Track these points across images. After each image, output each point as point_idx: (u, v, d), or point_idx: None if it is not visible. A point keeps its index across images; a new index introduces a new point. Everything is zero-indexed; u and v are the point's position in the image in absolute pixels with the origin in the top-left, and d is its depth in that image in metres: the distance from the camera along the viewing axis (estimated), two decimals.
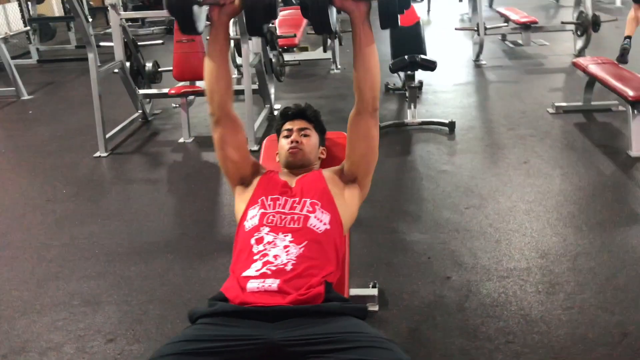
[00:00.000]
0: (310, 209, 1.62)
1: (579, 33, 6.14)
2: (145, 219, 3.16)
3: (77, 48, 8.78)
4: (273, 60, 4.77)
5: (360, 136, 1.71)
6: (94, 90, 4.13)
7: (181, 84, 4.60)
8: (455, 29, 7.26)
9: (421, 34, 4.74)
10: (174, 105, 4.60)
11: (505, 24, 6.95)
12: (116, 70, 4.45)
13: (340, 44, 6.24)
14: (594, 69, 4.08)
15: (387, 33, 4.80)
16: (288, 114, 1.94)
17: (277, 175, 1.79)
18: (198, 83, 4.43)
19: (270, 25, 4.53)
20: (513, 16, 6.70)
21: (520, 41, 6.65)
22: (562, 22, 6.38)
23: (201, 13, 1.62)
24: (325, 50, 6.22)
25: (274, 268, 1.47)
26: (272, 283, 1.43)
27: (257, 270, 1.48)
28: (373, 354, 1.22)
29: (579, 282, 2.37)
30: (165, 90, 4.49)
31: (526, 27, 6.40)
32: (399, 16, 1.53)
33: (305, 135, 1.88)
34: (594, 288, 2.32)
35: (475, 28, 6.17)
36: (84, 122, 4.86)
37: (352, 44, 1.61)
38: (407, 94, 4.50)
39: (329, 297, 1.43)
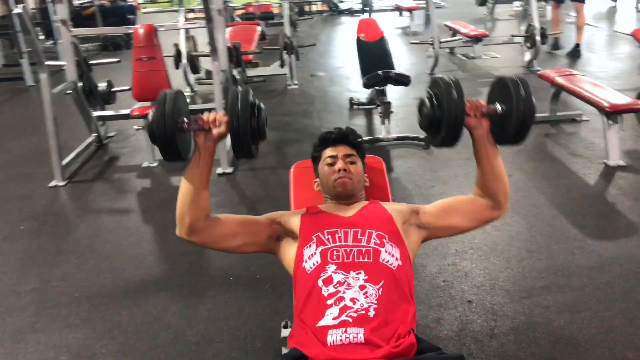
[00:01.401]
0: (378, 242, 1.47)
1: (528, 45, 6.33)
2: (124, 254, 2.87)
3: (6, 67, 8.19)
4: (237, 77, 4.57)
5: (479, 221, 1.67)
6: (48, 114, 3.77)
7: (140, 104, 4.30)
8: (411, 42, 7.31)
9: (387, 49, 4.70)
10: (137, 127, 4.30)
11: (454, 38, 7.09)
12: (69, 92, 4.10)
13: (297, 59, 6.12)
14: (562, 80, 4.16)
15: (353, 46, 4.73)
16: (329, 139, 1.77)
17: (321, 209, 1.62)
18: None
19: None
20: (463, 30, 6.84)
21: (472, 54, 6.78)
22: (512, 35, 6.57)
23: (186, 136, 1.52)
24: (282, 66, 6.06)
25: (354, 315, 1.30)
26: (357, 333, 1.27)
27: (334, 319, 1.30)
28: None
29: (601, 297, 2.34)
30: (125, 112, 4.18)
31: (477, 39, 6.55)
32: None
33: (352, 163, 1.73)
34: (618, 302, 2.30)
35: (430, 41, 6.23)
36: (30, 147, 4.47)
37: (475, 157, 1.61)
38: (379, 110, 4.42)
39: (421, 348, 1.28)
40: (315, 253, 1.46)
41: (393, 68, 4.49)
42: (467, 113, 1.50)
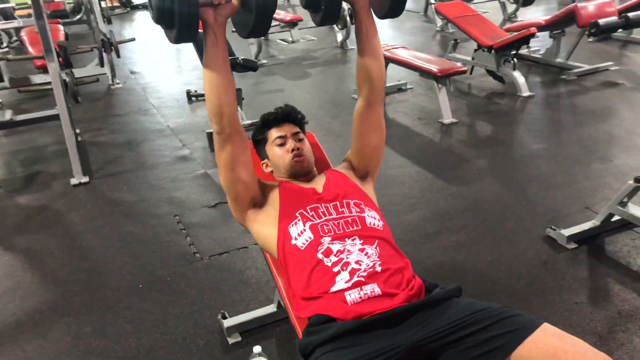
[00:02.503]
0: (358, 210, 1.54)
1: (339, 27, 6.79)
2: None
3: None
4: (67, 79, 4.16)
5: (374, 127, 1.68)
6: None
7: None
8: (232, 31, 7.27)
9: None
10: None
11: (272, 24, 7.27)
12: None
13: (118, 56, 5.73)
14: (392, 53, 4.59)
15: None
16: (273, 120, 1.77)
17: (296, 185, 1.64)
18: None
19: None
20: (278, 16, 7.05)
21: (290, 38, 7.03)
22: None
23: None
24: (102, 65, 5.63)
25: (364, 274, 1.37)
26: (373, 288, 1.34)
27: (347, 282, 1.36)
28: (512, 323, 1.24)
29: (483, 232, 2.72)
30: None
31: (293, 24, 6.82)
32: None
33: (300, 140, 1.75)
34: (497, 232, 2.70)
35: None
36: None
37: (356, 36, 1.59)
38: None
39: (427, 287, 1.40)
40: (304, 230, 1.48)
41: (234, 55, 4.50)
42: None
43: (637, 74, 5.02)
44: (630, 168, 3.20)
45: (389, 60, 4.68)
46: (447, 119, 4.15)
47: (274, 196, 1.61)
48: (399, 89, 5.02)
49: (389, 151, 3.71)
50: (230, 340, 2.10)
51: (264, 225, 1.58)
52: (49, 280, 2.57)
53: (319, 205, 1.54)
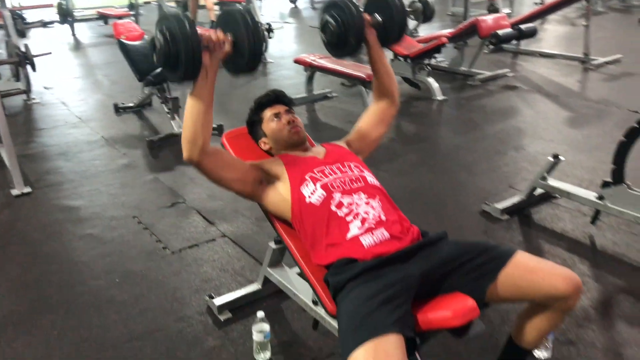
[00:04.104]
0: (359, 169, 1.78)
1: None
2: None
3: None
4: None
5: (386, 121, 2.01)
6: None
7: None
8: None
9: None
10: None
11: None
12: None
13: (33, 69, 5.55)
14: (320, 62, 4.90)
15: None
16: (266, 102, 1.97)
17: (297, 155, 1.84)
18: None
19: None
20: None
21: None
22: None
23: None
24: (18, 79, 5.44)
25: (373, 222, 1.61)
26: (382, 233, 1.59)
27: (359, 228, 1.59)
28: (496, 252, 1.55)
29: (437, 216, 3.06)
30: None
31: None
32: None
33: (293, 115, 1.96)
34: (447, 220, 3.04)
35: None
36: None
37: (371, 65, 1.95)
38: (166, 107, 4.47)
39: (422, 232, 1.67)
40: (316, 189, 1.69)
41: None
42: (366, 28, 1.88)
43: (530, 78, 5.72)
44: (540, 154, 3.70)
45: (316, 69, 4.99)
46: None
47: (279, 168, 1.80)
48: (325, 97, 5.33)
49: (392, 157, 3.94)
50: (223, 317, 2.23)
51: (276, 194, 1.77)
52: (18, 286, 2.54)
53: (324, 167, 1.76)
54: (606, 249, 2.63)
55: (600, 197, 2.66)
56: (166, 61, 1.58)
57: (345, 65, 4.81)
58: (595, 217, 2.76)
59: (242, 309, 2.28)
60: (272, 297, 2.33)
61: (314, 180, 1.72)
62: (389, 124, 2.05)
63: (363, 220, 1.61)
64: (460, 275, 1.52)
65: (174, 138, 4.32)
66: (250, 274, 2.54)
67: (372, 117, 2.01)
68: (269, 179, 1.80)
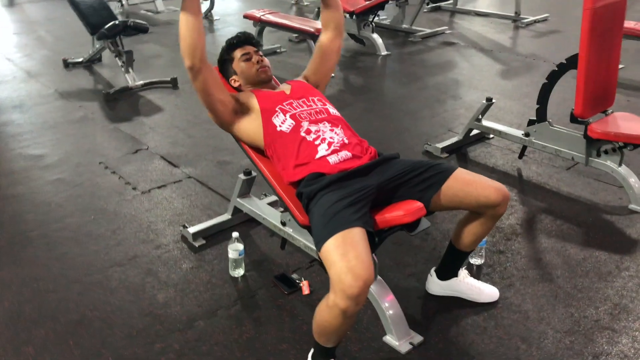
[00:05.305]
0: (322, 102, 2.03)
1: None
2: None
3: None
4: None
5: (335, 51, 2.21)
6: None
7: None
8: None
9: (105, 1, 4.79)
10: None
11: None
12: None
13: None
14: (269, 17, 5.05)
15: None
16: (236, 43, 2.17)
17: (267, 91, 2.06)
18: None
19: None
20: None
21: (155, 9, 7.12)
22: None
23: None
24: None
25: (337, 145, 1.87)
26: (346, 153, 1.86)
27: (326, 150, 1.85)
28: (440, 168, 1.84)
29: None
30: None
31: None
32: None
33: (261, 55, 2.17)
34: None
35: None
36: None
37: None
38: (119, 61, 4.52)
39: (378, 152, 1.95)
40: (286, 119, 1.93)
41: (116, 19, 4.63)
42: None
43: (466, 35, 6.08)
44: (475, 102, 4.06)
45: (265, 23, 5.14)
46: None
47: (252, 101, 2.02)
48: (275, 52, 5.50)
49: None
50: (197, 244, 2.47)
51: (249, 123, 2.00)
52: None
53: (292, 101, 2.00)
54: (531, 179, 3.02)
55: (527, 134, 3.03)
56: None
57: (294, 20, 4.99)
58: (522, 153, 3.14)
59: (214, 236, 2.52)
60: (241, 225, 2.58)
61: (284, 112, 1.96)
62: (338, 54, 2.24)
63: (329, 144, 1.87)
64: (410, 187, 1.81)
65: (130, 91, 4.42)
66: (218, 208, 2.76)
67: (322, 49, 2.21)
68: (243, 109, 2.02)
